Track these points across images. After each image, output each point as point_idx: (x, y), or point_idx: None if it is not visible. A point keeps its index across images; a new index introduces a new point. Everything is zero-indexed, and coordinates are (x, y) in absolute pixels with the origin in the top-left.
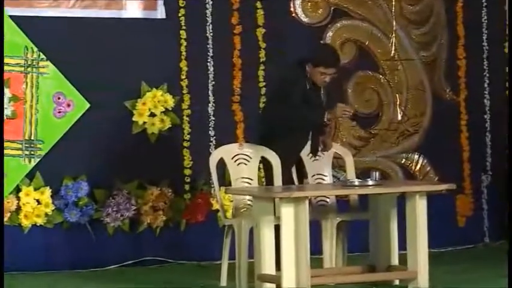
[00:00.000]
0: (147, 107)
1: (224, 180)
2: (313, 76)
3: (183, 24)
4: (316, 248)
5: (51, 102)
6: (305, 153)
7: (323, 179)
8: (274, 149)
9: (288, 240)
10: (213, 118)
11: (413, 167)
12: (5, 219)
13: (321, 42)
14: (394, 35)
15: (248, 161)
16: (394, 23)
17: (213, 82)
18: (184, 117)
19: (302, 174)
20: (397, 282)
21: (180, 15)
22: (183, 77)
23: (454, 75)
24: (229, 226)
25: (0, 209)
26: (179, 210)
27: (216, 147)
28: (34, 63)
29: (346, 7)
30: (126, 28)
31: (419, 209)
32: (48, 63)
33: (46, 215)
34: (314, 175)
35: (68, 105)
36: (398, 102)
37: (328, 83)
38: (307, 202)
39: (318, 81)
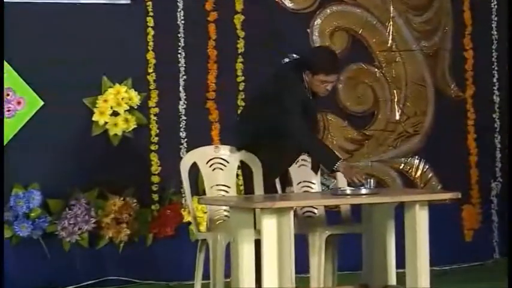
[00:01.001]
0: (108, 104)
1: (197, 188)
2: (312, 86)
3: (150, 9)
4: (302, 266)
5: None
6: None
7: (310, 187)
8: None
9: (270, 257)
10: (185, 117)
11: (413, 173)
12: None
13: (317, 46)
14: (391, 22)
15: (225, 166)
16: (392, 9)
17: (185, 76)
18: (152, 117)
19: (286, 182)
20: None
21: None
22: (150, 70)
23: (459, 69)
24: (202, 241)
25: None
26: (145, 223)
27: (188, 151)
28: None
29: None
30: (85, 14)
31: (420, 221)
32: None
33: None
34: (300, 182)
35: (19, 103)
36: (396, 99)
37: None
38: (291, 213)
39: (319, 91)
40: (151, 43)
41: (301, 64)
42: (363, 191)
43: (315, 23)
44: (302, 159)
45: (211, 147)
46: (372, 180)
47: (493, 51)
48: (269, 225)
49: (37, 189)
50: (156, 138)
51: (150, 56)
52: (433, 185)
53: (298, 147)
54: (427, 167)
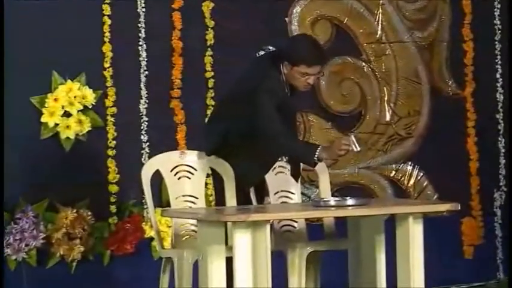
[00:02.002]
0: (59, 104)
1: (161, 199)
2: (292, 79)
3: None
4: (280, 286)
5: None
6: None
7: (289, 198)
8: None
9: (243, 276)
10: (146, 118)
11: (405, 182)
12: None
13: (297, 34)
14: (380, 10)
15: (192, 174)
16: None
17: (146, 72)
18: (109, 118)
19: (262, 192)
20: None
21: None
22: (107, 65)
23: (458, 63)
24: (167, 259)
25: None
26: (102, 239)
27: (150, 157)
28: None
29: None
30: (32, 2)
31: (414, 236)
32: None
33: None
34: (277, 192)
35: None
36: (386, 98)
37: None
38: (268, 227)
39: (299, 85)
40: (107, 34)
41: (278, 55)
42: (349, 202)
43: (294, 11)
44: (279, 166)
45: (177, 152)
46: (352, 138)
47: (496, 42)
48: (242, 241)
49: None
50: (114, 142)
51: (107, 48)
52: (429, 195)
53: (276, 152)
54: (421, 174)
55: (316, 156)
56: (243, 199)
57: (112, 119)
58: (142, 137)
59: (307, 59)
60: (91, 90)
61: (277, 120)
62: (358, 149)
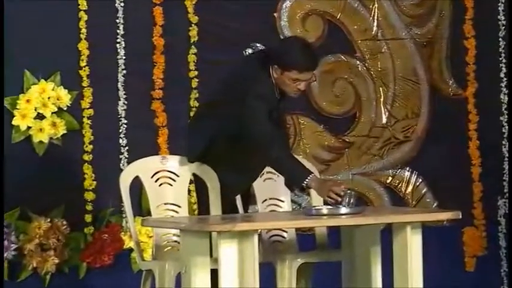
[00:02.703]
0: (32, 105)
1: (140, 207)
2: (281, 84)
3: None
4: None
5: None
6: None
7: (278, 206)
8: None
9: None
10: (125, 121)
11: (403, 189)
12: None
13: (289, 36)
14: (376, 5)
15: (174, 180)
16: None
17: (125, 71)
18: (85, 120)
19: (249, 199)
20: None
21: None
22: (83, 64)
23: (459, 61)
24: (147, 271)
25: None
26: (78, 250)
27: (129, 162)
28: None
29: None
30: None
31: (412, 247)
32: None
33: None
34: (266, 200)
35: None
36: (382, 99)
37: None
38: (256, 238)
39: (289, 91)
40: (84, 30)
41: (268, 57)
42: (343, 210)
43: (284, 5)
44: (268, 172)
45: (158, 157)
46: (352, 197)
47: (500, 39)
48: (228, 252)
49: None
50: (91, 146)
51: (83, 46)
52: (428, 203)
53: (264, 160)
54: (420, 180)
55: (305, 182)
56: (228, 207)
57: (88, 122)
58: (121, 140)
59: (298, 65)
60: (66, 90)
61: (270, 131)
62: (348, 206)
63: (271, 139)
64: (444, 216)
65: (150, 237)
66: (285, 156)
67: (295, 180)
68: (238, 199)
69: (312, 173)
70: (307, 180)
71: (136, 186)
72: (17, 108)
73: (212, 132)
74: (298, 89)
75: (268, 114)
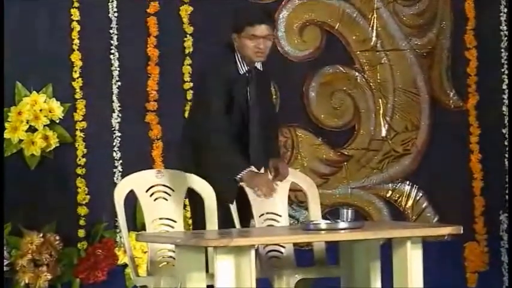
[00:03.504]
0: (23, 118)
1: (135, 222)
2: (243, 50)
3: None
4: None
5: None
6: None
7: (276, 220)
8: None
9: None
10: (119, 134)
11: (403, 203)
12: None
13: (243, 5)
14: (375, 15)
15: (169, 195)
16: None
17: (119, 83)
18: (78, 133)
19: (246, 214)
20: None
21: None
22: (76, 75)
23: (460, 73)
24: (142, 287)
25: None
26: (71, 266)
27: (123, 176)
28: None
29: None
30: None
31: (412, 262)
32: None
33: None
34: (263, 214)
35: None
36: (381, 111)
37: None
38: (253, 253)
39: (252, 55)
40: (76, 41)
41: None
42: (341, 225)
43: (281, 15)
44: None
45: (153, 171)
46: (351, 212)
47: (502, 50)
48: (224, 267)
49: None
50: (84, 159)
51: (76, 57)
52: (428, 217)
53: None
54: (420, 194)
55: (238, 177)
56: (224, 222)
57: (81, 135)
58: (114, 154)
59: (249, 19)
60: (58, 102)
61: (222, 126)
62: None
63: (217, 127)
64: (445, 231)
65: (145, 252)
66: (225, 147)
67: (230, 172)
68: (235, 213)
69: (249, 167)
70: (241, 174)
71: (131, 200)
72: (8, 121)
73: (192, 135)
74: (258, 49)
75: (229, 93)
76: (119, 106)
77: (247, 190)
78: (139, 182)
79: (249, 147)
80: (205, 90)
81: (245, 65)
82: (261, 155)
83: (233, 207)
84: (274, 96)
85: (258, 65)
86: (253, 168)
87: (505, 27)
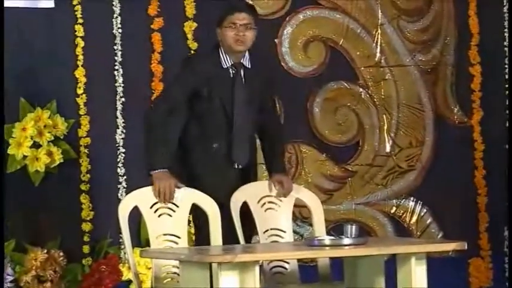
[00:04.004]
0: (28, 134)
1: (139, 238)
2: (224, 40)
3: (79, 16)
4: None
5: None
6: (253, 195)
7: (280, 236)
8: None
9: None
10: (123, 150)
11: (407, 219)
12: None
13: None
14: (379, 30)
15: (174, 211)
16: (380, 14)
17: (123, 99)
18: (82, 149)
19: (250, 230)
20: None
21: (75, 3)
22: (80, 91)
23: (464, 88)
24: None
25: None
26: (75, 282)
27: (127, 192)
28: None
29: None
30: None
31: (417, 278)
32: None
33: None
34: (267, 230)
35: None
36: (386, 127)
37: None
38: (257, 269)
39: (231, 44)
40: (81, 57)
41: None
42: (346, 241)
43: (285, 31)
44: (269, 202)
45: None
46: (355, 228)
47: (506, 66)
48: (229, 283)
49: None
50: (88, 175)
51: (80, 73)
52: (433, 233)
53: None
54: (424, 210)
55: (151, 173)
56: (229, 238)
57: (86, 151)
58: (119, 170)
59: (228, 9)
60: (62, 118)
61: (163, 116)
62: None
63: (158, 115)
64: (449, 247)
65: (149, 268)
66: (154, 139)
67: (148, 164)
68: (239, 228)
69: (165, 169)
70: (154, 172)
71: (135, 216)
72: (12, 137)
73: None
74: (237, 38)
75: (201, 86)
76: (123, 122)
77: (251, 207)
78: (143, 198)
79: (232, 149)
80: (173, 78)
81: (229, 59)
82: (246, 155)
83: (237, 223)
84: (277, 106)
85: (245, 62)
86: (167, 171)
87: (508, 43)
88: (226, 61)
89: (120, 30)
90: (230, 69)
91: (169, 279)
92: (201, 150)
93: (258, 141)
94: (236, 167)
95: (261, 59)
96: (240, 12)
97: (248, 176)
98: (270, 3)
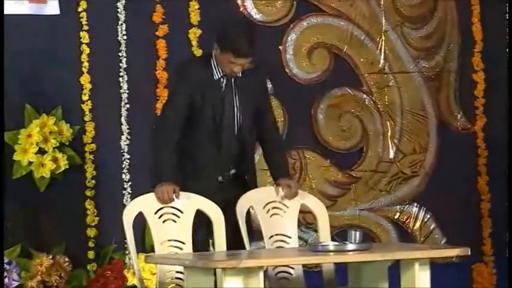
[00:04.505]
0: (33, 140)
1: (144, 244)
2: (219, 62)
3: (84, 22)
4: None
5: None
6: (259, 201)
7: (285, 242)
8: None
9: None
10: (128, 156)
11: (411, 224)
12: None
13: (233, 20)
14: (383, 37)
15: (178, 216)
16: (384, 21)
17: (128, 105)
18: (87, 155)
19: (252, 234)
20: None
21: (80, 10)
22: (85, 97)
23: (467, 95)
24: None
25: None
26: (80, 287)
27: (132, 198)
28: None
29: None
30: (4, 29)
31: (420, 283)
32: None
33: None
34: (272, 236)
35: None
36: (389, 133)
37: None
38: (261, 274)
39: (226, 71)
40: (86, 64)
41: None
42: (350, 246)
43: (289, 38)
44: (274, 208)
45: None
46: (359, 233)
47: (509, 72)
48: None
49: None
50: (93, 181)
51: (85, 79)
52: (436, 239)
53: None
54: (428, 216)
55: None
56: (233, 242)
57: (91, 157)
58: (123, 176)
59: (234, 49)
60: (68, 125)
61: (169, 128)
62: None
63: (164, 127)
64: (453, 252)
65: (154, 274)
66: (159, 148)
67: (154, 176)
68: (244, 233)
69: (161, 183)
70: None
71: (140, 222)
72: (18, 143)
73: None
74: (233, 71)
75: (200, 97)
76: (128, 128)
77: (257, 213)
78: (147, 204)
79: (220, 156)
80: (172, 89)
81: (220, 71)
82: (236, 165)
83: (243, 228)
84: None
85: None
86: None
87: (509, 50)
88: (218, 72)
89: (125, 37)
90: (221, 80)
91: (173, 285)
92: (191, 160)
93: (255, 149)
94: (223, 178)
95: (277, 80)
96: (245, 58)
97: (243, 183)
98: (274, 10)
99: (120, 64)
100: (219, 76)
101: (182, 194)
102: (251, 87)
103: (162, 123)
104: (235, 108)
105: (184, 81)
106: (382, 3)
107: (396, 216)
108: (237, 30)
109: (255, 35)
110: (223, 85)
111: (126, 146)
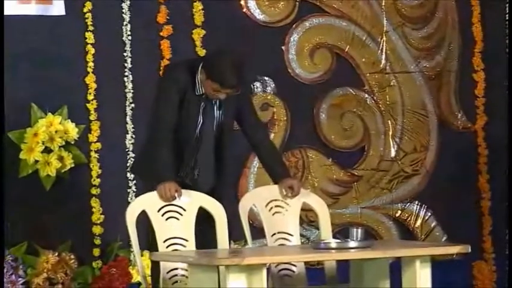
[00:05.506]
0: (39, 139)
1: (148, 241)
2: (204, 86)
3: (89, 23)
4: None
5: None
6: (261, 199)
7: (287, 239)
8: None
9: None
10: (133, 154)
11: (412, 222)
12: None
13: (222, 50)
14: (384, 38)
15: (181, 214)
16: (385, 22)
17: (133, 105)
18: (93, 154)
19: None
20: None
21: (85, 10)
22: (91, 97)
23: (468, 94)
24: None
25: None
26: (86, 284)
27: (136, 196)
28: None
29: None
30: (11, 29)
31: (421, 281)
32: None
33: None
34: (275, 234)
35: None
36: (391, 132)
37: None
38: (264, 271)
39: (209, 94)
40: (91, 64)
41: (197, 60)
42: (352, 244)
43: (291, 38)
44: (276, 206)
45: None
46: (361, 231)
47: (509, 72)
48: (237, 286)
49: None
50: (98, 180)
51: (90, 79)
52: (437, 237)
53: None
54: (429, 214)
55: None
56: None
57: (96, 155)
58: (128, 174)
59: (222, 80)
60: (73, 124)
61: (162, 114)
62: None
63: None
64: (453, 250)
65: None
66: (153, 145)
67: (154, 177)
68: (247, 229)
69: (162, 183)
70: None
71: (145, 219)
72: (24, 142)
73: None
74: (217, 96)
75: (181, 100)
76: (133, 127)
77: (260, 211)
78: (151, 202)
79: (196, 171)
80: (163, 86)
81: (202, 89)
82: (211, 178)
83: (246, 226)
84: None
85: None
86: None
87: (509, 49)
88: (200, 89)
89: (129, 38)
90: (202, 96)
91: (177, 282)
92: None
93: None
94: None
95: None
96: (231, 89)
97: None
98: (277, 11)
99: (125, 64)
100: (200, 93)
101: (184, 191)
102: (232, 97)
103: (159, 120)
104: (215, 121)
105: (174, 80)
106: (383, 4)
107: (397, 214)
108: (225, 62)
109: (243, 64)
110: (203, 102)
111: (131, 145)
